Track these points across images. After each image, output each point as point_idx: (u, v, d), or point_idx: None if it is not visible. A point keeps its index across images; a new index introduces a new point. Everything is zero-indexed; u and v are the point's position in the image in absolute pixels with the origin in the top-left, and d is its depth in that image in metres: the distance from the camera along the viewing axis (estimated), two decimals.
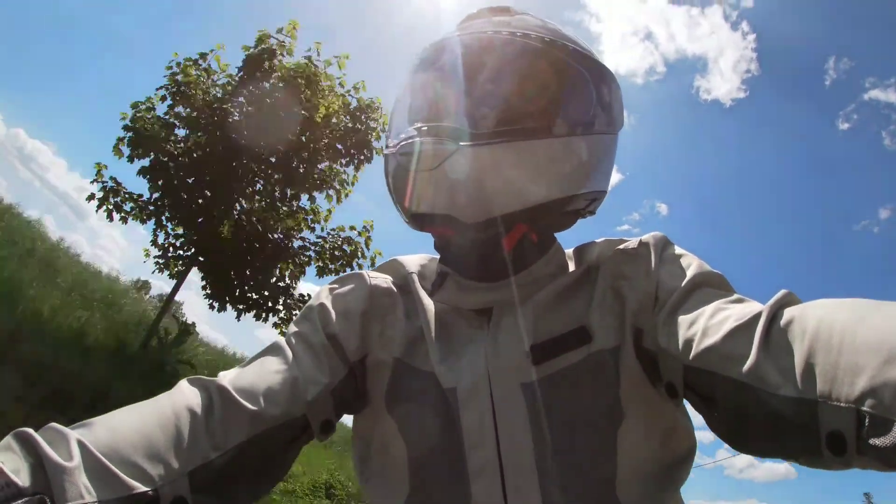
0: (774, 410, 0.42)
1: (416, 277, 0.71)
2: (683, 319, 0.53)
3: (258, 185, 6.96)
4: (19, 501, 0.40)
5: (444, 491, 0.58)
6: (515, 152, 0.57)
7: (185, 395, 0.55)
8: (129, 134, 6.30)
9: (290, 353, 0.62)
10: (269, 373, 0.60)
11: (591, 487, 0.56)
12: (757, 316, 0.47)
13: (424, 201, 0.59)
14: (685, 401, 0.57)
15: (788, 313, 0.45)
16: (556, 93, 0.61)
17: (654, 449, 0.60)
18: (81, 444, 0.46)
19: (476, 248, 0.62)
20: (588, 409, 0.57)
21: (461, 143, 0.56)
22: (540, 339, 0.60)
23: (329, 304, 0.67)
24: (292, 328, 0.67)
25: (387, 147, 0.65)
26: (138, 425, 0.51)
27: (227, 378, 0.58)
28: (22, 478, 0.42)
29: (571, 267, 0.68)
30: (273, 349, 0.64)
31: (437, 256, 0.73)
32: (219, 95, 6.63)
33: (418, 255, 0.75)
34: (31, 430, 0.45)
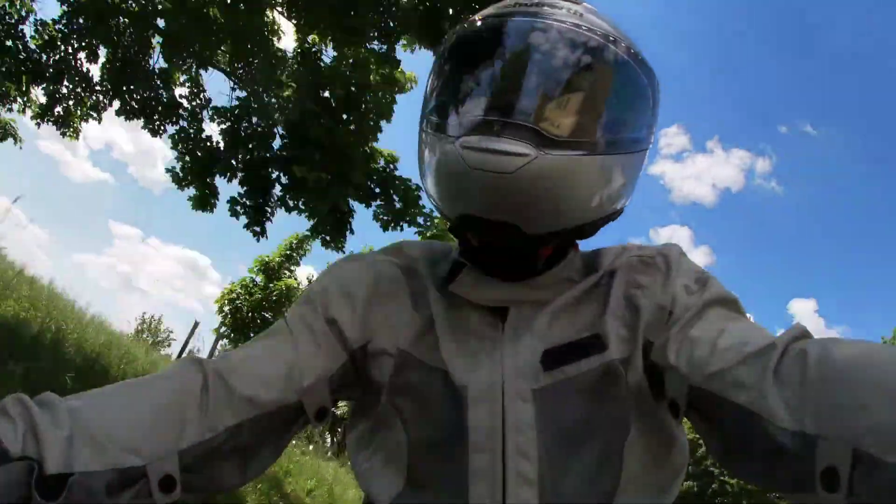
0: (775, 441, 0.43)
1: (425, 263, 0.68)
2: (695, 338, 0.53)
3: None
4: (7, 465, 0.41)
5: (441, 488, 0.57)
6: (593, 166, 0.55)
7: (180, 374, 0.55)
8: None
9: (288, 338, 0.61)
10: (266, 357, 0.59)
11: (589, 501, 0.55)
12: (770, 346, 0.47)
13: (486, 205, 0.54)
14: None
15: (800, 347, 0.45)
16: (630, 107, 0.60)
17: (652, 464, 0.59)
18: (74, 415, 0.46)
19: (515, 251, 0.61)
20: (597, 420, 0.57)
21: (542, 150, 0.51)
22: (554, 345, 0.59)
23: (331, 288, 0.66)
24: (293, 311, 0.65)
25: (435, 128, 0.59)
26: (132, 401, 0.51)
27: (224, 360, 0.58)
28: (13, 442, 0.42)
29: (585, 271, 0.67)
30: (273, 332, 0.63)
31: (445, 244, 0.72)
32: None
33: (426, 240, 0.73)
34: (26, 397, 0.46)
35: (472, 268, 0.63)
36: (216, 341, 10.55)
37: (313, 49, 5.92)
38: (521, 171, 0.51)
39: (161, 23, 5.89)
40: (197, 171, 6.29)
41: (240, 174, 6.23)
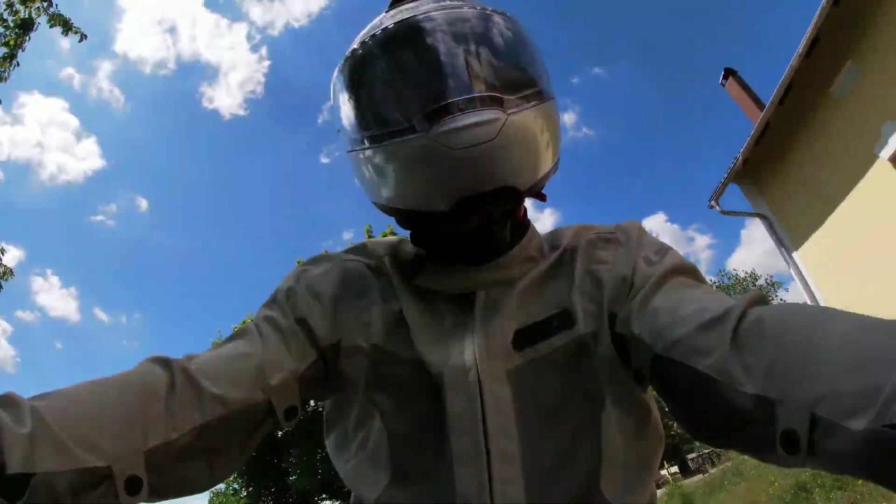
0: (736, 405, 0.43)
1: (390, 260, 0.69)
2: (656, 307, 0.55)
3: None
4: None
5: (427, 477, 0.57)
6: (546, 114, 0.61)
7: (146, 372, 0.53)
8: None
9: (256, 337, 0.60)
10: (234, 356, 0.58)
11: (574, 477, 0.55)
12: (728, 312, 0.48)
13: (481, 178, 0.56)
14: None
15: (758, 312, 0.46)
16: (537, 58, 0.64)
17: (630, 439, 0.60)
18: (36, 414, 0.44)
19: (492, 222, 0.62)
20: (573, 395, 0.57)
21: (509, 110, 0.56)
22: (524, 324, 0.60)
23: (299, 287, 0.65)
24: (261, 312, 0.64)
25: (385, 137, 0.58)
26: (96, 399, 0.49)
27: (191, 359, 0.56)
28: None
29: (545, 250, 0.68)
30: (241, 333, 0.62)
31: (407, 240, 0.72)
32: None
33: (389, 237, 0.73)
34: None
35: (435, 259, 0.65)
36: None
37: None
38: (501, 133, 0.54)
39: None
40: None
41: None
